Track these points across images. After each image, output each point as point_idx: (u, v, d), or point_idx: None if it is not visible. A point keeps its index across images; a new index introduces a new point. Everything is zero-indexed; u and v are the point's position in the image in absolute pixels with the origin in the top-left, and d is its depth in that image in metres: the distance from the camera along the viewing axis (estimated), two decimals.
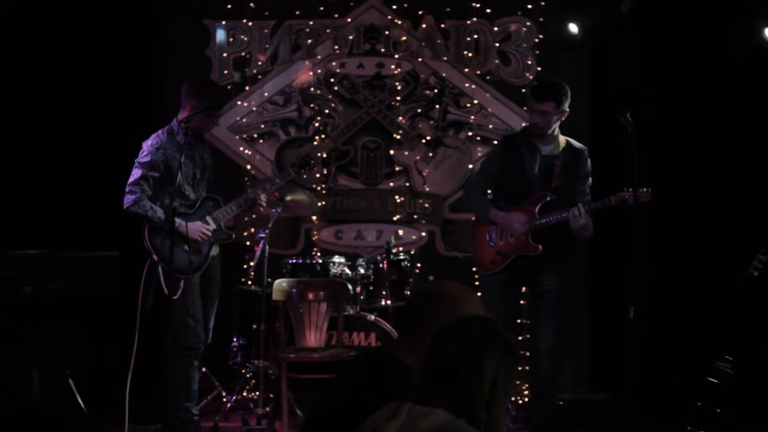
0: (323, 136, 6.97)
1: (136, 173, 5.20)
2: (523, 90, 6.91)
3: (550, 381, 5.26)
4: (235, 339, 5.99)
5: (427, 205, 6.99)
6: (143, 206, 5.14)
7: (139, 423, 5.44)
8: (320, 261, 6.14)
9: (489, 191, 5.49)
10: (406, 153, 6.98)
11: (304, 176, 5.82)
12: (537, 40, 6.96)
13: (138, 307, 4.96)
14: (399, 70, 7.00)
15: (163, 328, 5.09)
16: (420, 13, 6.99)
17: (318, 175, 6.91)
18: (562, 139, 5.26)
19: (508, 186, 5.30)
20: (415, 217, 6.97)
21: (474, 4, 6.97)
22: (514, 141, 5.39)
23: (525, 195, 5.18)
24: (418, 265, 6.66)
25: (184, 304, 5.17)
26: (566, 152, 5.21)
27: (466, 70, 6.99)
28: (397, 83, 6.99)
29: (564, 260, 5.20)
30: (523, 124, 6.06)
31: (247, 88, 6.99)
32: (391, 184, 7.00)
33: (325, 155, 6.96)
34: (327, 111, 7.00)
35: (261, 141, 7.01)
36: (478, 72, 6.98)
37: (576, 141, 5.35)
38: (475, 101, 6.97)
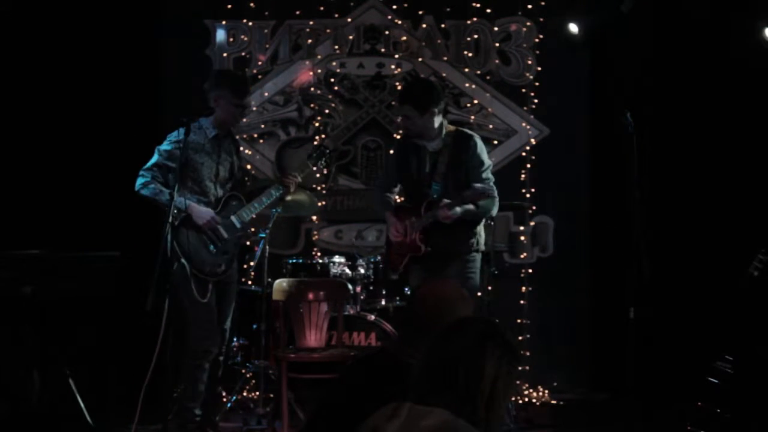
0: (323, 136, 6.97)
1: (153, 158, 5.21)
2: (523, 90, 6.92)
3: None
4: (235, 339, 5.99)
5: None
6: (152, 189, 5.13)
7: (139, 423, 5.43)
8: (320, 261, 6.14)
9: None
10: None
11: (323, 167, 5.77)
12: (537, 40, 6.96)
13: (165, 312, 4.66)
14: (399, 70, 6.99)
15: (177, 329, 5.08)
16: (420, 13, 6.99)
17: (318, 175, 6.91)
18: (451, 129, 5.21)
19: (406, 187, 5.32)
20: None
21: (474, 4, 6.97)
22: (404, 143, 5.34)
23: (421, 194, 5.17)
24: None
25: (206, 306, 5.17)
26: (453, 143, 5.14)
27: (466, 70, 6.99)
28: (397, 83, 6.98)
29: (445, 265, 5.08)
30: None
31: None
32: None
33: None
34: (327, 111, 7.00)
35: (261, 141, 7.01)
36: (478, 72, 6.98)
37: (467, 129, 5.30)
38: (475, 101, 6.97)
